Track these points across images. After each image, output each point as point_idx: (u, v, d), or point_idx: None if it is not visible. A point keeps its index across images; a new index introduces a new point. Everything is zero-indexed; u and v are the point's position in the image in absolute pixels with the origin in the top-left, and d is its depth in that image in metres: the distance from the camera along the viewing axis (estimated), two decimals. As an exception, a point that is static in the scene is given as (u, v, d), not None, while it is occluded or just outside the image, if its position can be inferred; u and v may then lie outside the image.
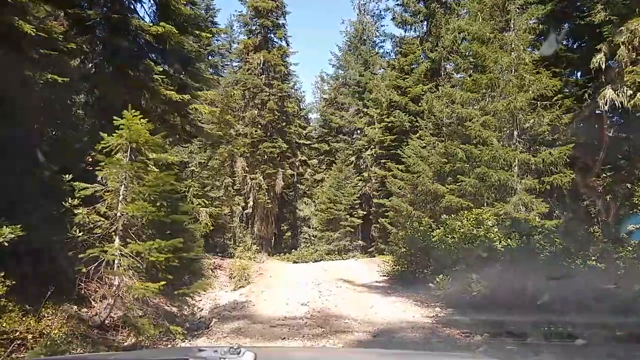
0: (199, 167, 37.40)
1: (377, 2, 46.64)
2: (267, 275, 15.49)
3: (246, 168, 32.41)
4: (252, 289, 11.93)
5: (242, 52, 32.88)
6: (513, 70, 17.40)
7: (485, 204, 16.27)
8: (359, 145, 31.99)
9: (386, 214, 24.77)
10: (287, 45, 33.40)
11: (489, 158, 16.99)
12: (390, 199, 23.91)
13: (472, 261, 9.34)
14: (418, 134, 23.09)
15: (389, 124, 26.04)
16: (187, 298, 7.09)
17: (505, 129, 17.98)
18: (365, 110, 31.66)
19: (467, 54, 19.38)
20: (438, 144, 21.59)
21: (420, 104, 23.96)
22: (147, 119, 14.10)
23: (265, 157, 32.25)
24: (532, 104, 17.55)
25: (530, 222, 10.34)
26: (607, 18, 15.23)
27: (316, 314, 8.98)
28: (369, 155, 30.00)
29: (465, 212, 13.92)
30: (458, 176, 17.84)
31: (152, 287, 6.14)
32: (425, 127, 22.76)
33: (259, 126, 32.19)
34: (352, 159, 32.36)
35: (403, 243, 14.10)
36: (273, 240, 36.26)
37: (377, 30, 36.08)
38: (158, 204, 6.65)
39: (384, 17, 36.81)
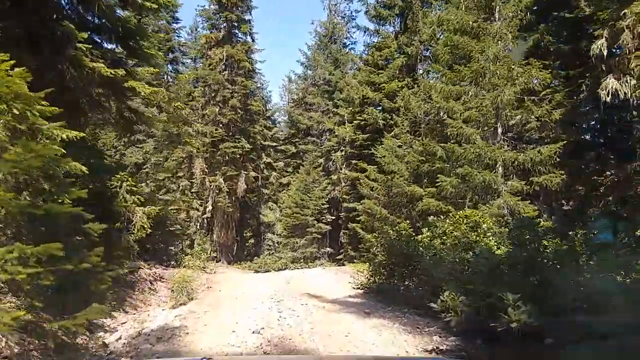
0: (154, 169, 34.72)
1: (348, 3, 45.21)
2: (216, 289, 13.12)
3: (205, 169, 29.95)
4: (192, 308, 9.55)
5: (204, 47, 30.47)
6: (499, 62, 15.77)
7: (466, 207, 14.49)
8: (328, 147, 29.99)
9: (357, 218, 22.80)
10: (253, 41, 31.23)
11: (473, 157, 15.24)
12: (362, 202, 21.94)
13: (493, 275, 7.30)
14: (393, 132, 21.27)
15: (362, 122, 24.14)
16: (75, 330, 4.75)
17: (489, 125, 16.30)
18: (335, 110, 29.75)
19: (447, 45, 17.64)
20: (415, 142, 19.80)
21: (395, 101, 22.16)
22: (71, 99, 11.68)
23: (227, 158, 29.87)
24: (519, 99, 15.97)
25: (538, 225, 8.42)
26: (603, 4, 13.77)
27: (272, 347, 6.71)
28: (339, 156, 28.02)
29: (459, 212, 11.99)
30: (438, 176, 16.03)
31: (6, 319, 3.88)
32: (402, 125, 20.94)
33: (220, 125, 29.81)
34: (321, 161, 30.34)
35: (380, 250, 12.07)
36: (235, 248, 33.78)
37: (348, 32, 34.36)
38: (29, 190, 4.42)
39: (355, 18, 35.10)
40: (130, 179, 11.78)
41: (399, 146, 20.19)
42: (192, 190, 33.05)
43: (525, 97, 15.68)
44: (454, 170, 15.74)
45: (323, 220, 28.64)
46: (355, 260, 23.11)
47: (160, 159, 33.96)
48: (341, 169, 28.30)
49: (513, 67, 15.51)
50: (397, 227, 12.82)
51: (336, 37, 34.06)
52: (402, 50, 23.69)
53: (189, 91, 33.02)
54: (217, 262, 30.84)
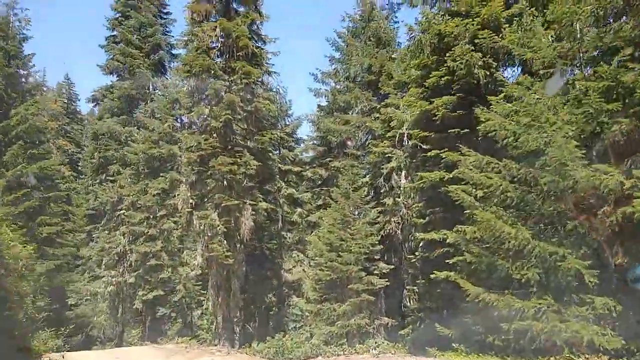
0: (129, 210, 24.88)
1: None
2: None
3: (191, 201, 19.82)
4: None
5: (191, 24, 21.16)
6: None
7: None
8: (374, 158, 19.51)
9: (448, 260, 11.92)
10: (260, 15, 21.83)
11: None
12: (457, 229, 11.21)
13: None
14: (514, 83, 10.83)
15: (440, 83, 13.56)
16: None
17: None
18: (383, 104, 19.58)
19: None
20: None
21: (503, 35, 11.90)
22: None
23: (222, 182, 19.78)
24: None
25: None
26: None
27: None
28: (396, 164, 17.49)
29: None
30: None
31: None
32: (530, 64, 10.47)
33: (212, 133, 19.97)
34: (365, 179, 19.80)
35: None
36: (242, 319, 22.98)
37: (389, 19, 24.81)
38: None
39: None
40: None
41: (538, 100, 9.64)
42: (177, 235, 22.92)
43: None
44: None
45: (375, 271, 17.76)
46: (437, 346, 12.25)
47: (134, 194, 24.18)
48: (400, 184, 17.71)
49: None
50: None
51: (374, 19, 24.39)
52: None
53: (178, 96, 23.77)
54: (214, 345, 20.16)
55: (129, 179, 24.51)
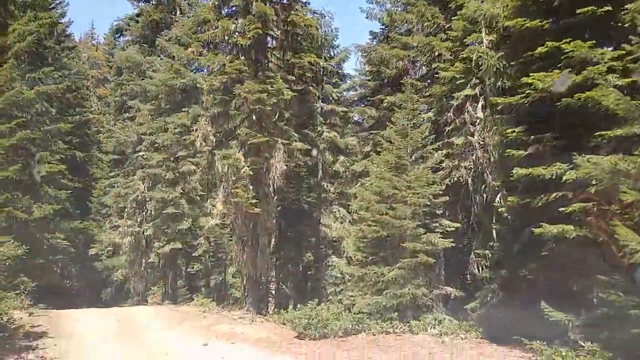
0: (149, 151, 21.76)
1: None
2: None
3: (211, 137, 16.40)
4: None
5: None
6: None
7: None
8: (440, 89, 15.25)
9: (562, 208, 7.89)
10: None
11: None
12: (588, 158, 7.12)
13: None
14: None
15: None
16: None
17: None
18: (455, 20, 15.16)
19: None
20: None
21: None
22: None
23: (251, 115, 16.20)
24: None
25: None
26: None
27: None
28: (472, 92, 13.29)
29: None
30: None
31: None
32: None
33: (239, 53, 16.30)
34: (428, 115, 15.67)
35: None
36: (274, 278, 19.80)
37: None
38: None
39: None
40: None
41: None
42: (195, 180, 19.71)
43: None
44: None
45: (436, 229, 13.88)
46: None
47: (153, 131, 20.96)
48: (474, 118, 13.56)
49: None
50: None
51: None
52: None
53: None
54: (239, 309, 17.13)
55: (148, 116, 21.35)
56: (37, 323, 13.32)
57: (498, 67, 10.27)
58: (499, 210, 12.74)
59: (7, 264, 11.11)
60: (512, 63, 10.03)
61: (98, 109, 36.62)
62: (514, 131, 9.26)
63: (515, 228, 10.26)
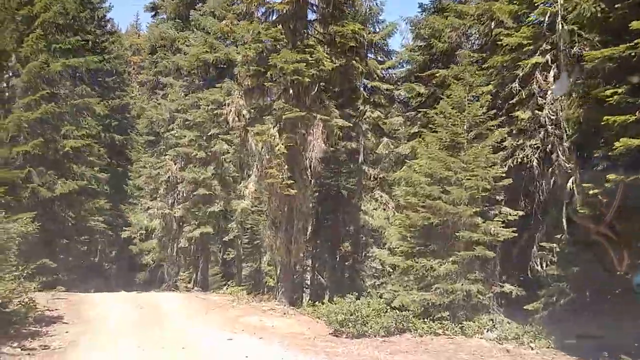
0: (180, 129, 20.60)
1: None
2: None
3: (244, 112, 15.03)
4: None
5: None
6: None
7: None
8: (502, 59, 13.31)
9: None
10: None
11: None
12: None
13: None
14: None
15: None
16: None
17: None
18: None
19: None
20: None
21: None
22: None
23: (288, 88, 14.74)
24: None
25: None
26: None
27: None
28: (542, 59, 11.41)
29: None
30: None
31: None
32: None
33: (276, 22, 14.86)
34: (488, 87, 13.76)
35: None
36: (309, 268, 18.40)
37: None
38: None
39: None
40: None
41: None
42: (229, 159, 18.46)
43: None
44: None
45: (496, 217, 12.09)
46: None
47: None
48: (544, 88, 11.66)
49: None
50: None
51: None
52: None
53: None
54: (272, 299, 15.85)
55: (181, 92, 20.26)
56: (54, 307, 12.43)
57: (593, 12, 8.27)
58: (573, 197, 10.86)
59: (17, 242, 10.05)
60: (616, 6, 7.98)
61: (139, 95, 36.22)
62: (616, 92, 7.35)
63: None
